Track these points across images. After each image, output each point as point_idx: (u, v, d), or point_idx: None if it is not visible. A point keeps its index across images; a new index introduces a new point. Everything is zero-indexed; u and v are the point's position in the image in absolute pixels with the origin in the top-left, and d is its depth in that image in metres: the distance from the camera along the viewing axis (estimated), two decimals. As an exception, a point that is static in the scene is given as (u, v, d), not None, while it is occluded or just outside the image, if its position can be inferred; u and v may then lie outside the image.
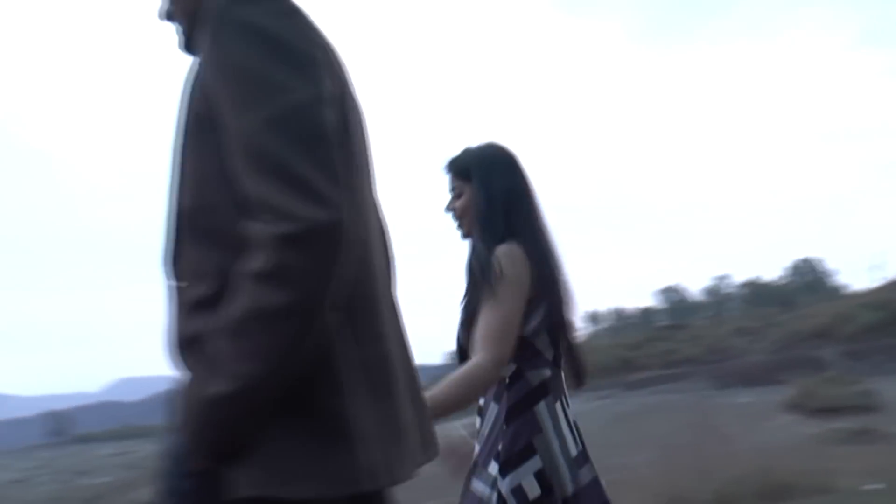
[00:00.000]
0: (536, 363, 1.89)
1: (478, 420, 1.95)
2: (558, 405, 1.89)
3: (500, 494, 1.77)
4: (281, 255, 0.97)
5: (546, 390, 1.88)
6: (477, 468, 1.87)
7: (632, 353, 27.50)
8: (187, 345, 1.07)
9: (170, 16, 1.23)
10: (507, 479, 1.78)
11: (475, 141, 2.06)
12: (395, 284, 1.36)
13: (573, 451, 1.86)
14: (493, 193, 1.94)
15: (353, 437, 1.05)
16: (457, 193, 2.01)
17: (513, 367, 1.88)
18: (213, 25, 1.05)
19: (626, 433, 11.41)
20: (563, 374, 1.97)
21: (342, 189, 1.01)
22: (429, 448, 1.25)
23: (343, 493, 1.03)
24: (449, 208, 2.02)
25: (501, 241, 1.89)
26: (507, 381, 1.88)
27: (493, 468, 1.81)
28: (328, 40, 1.14)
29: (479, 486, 1.84)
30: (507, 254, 1.86)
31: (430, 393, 1.66)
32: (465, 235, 2.01)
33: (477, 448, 1.91)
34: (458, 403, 1.77)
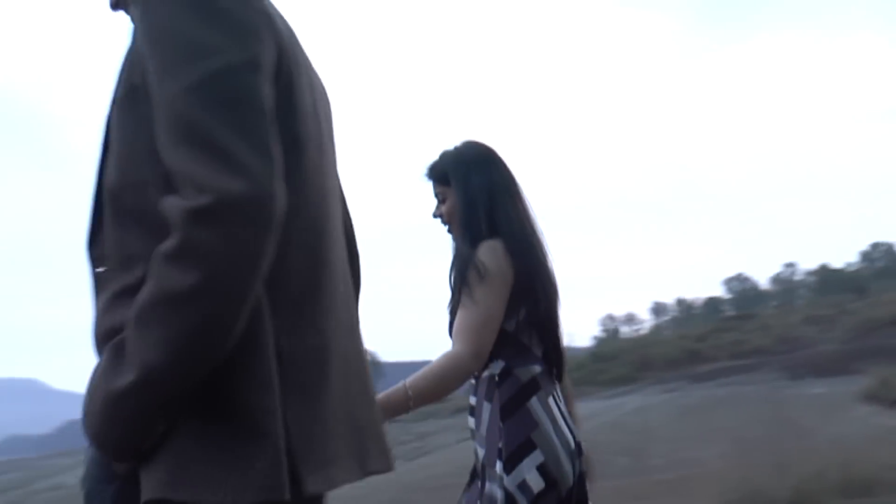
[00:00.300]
0: (525, 360, 1.89)
1: (470, 420, 1.95)
2: (551, 400, 1.88)
3: (506, 492, 1.77)
4: (190, 231, 0.88)
5: (537, 386, 1.88)
6: (485, 469, 1.87)
7: (698, 344, 26.98)
8: (107, 337, 0.97)
9: (120, 4, 1.15)
10: (512, 475, 1.78)
11: (455, 142, 2.06)
12: (358, 280, 1.30)
13: (572, 444, 1.85)
14: (471, 193, 1.93)
15: (273, 438, 0.94)
16: (441, 199, 2.00)
17: (501, 365, 1.87)
18: None
19: (695, 426, 11.15)
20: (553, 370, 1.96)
21: (270, 161, 0.92)
22: (381, 457, 1.15)
23: (256, 500, 0.92)
24: (436, 214, 2.01)
25: (484, 239, 1.88)
26: (496, 379, 1.88)
27: (499, 466, 1.80)
28: (273, 9, 1.05)
29: (489, 486, 1.84)
30: (487, 249, 1.86)
31: (406, 382, 1.66)
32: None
33: (478, 448, 1.91)
34: (433, 394, 1.75)
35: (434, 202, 2.03)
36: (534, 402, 1.85)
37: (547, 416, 1.84)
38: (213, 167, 0.88)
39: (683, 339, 29.31)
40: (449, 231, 2.01)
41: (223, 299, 0.89)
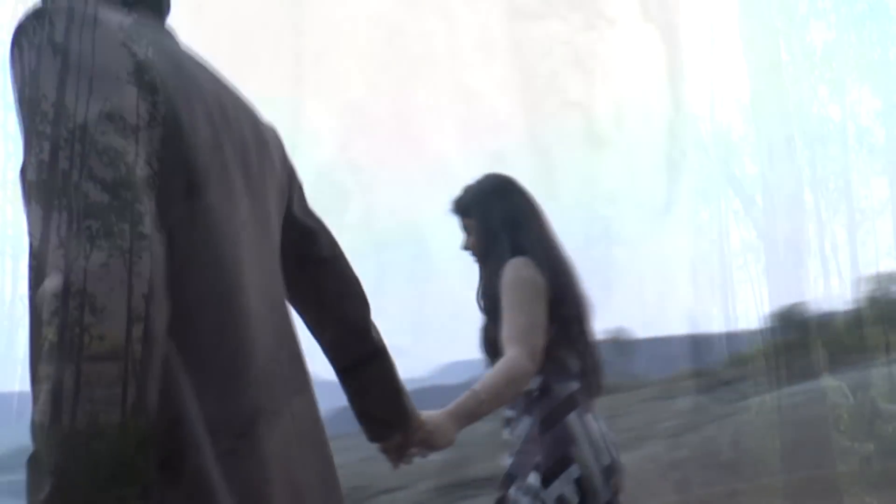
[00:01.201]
0: (562, 376, 1.95)
1: (505, 431, 2.01)
2: (588, 416, 1.94)
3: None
4: (51, 323, 0.76)
5: (575, 403, 1.93)
6: (516, 479, 1.92)
7: None
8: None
9: None
10: (550, 489, 1.85)
11: (476, 177, 2.14)
12: (364, 307, 1.30)
13: (605, 461, 1.90)
14: (492, 224, 2.03)
15: (215, 497, 0.89)
16: (468, 231, 2.10)
17: (539, 380, 1.92)
18: (10, 51, 0.90)
19: None
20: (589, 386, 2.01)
21: (137, 216, 0.82)
22: None
23: None
24: (464, 247, 2.11)
25: (509, 259, 1.95)
26: (535, 393, 1.93)
27: (534, 478, 1.86)
28: (144, 40, 0.94)
29: (520, 497, 1.89)
30: (515, 264, 1.93)
31: (475, 387, 1.72)
32: None
33: (510, 459, 1.96)
34: (503, 396, 1.80)
35: (462, 236, 2.12)
36: (572, 418, 1.90)
37: (584, 433, 1.90)
38: (62, 238, 0.79)
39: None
40: (476, 262, 2.09)
41: (100, 386, 0.77)
